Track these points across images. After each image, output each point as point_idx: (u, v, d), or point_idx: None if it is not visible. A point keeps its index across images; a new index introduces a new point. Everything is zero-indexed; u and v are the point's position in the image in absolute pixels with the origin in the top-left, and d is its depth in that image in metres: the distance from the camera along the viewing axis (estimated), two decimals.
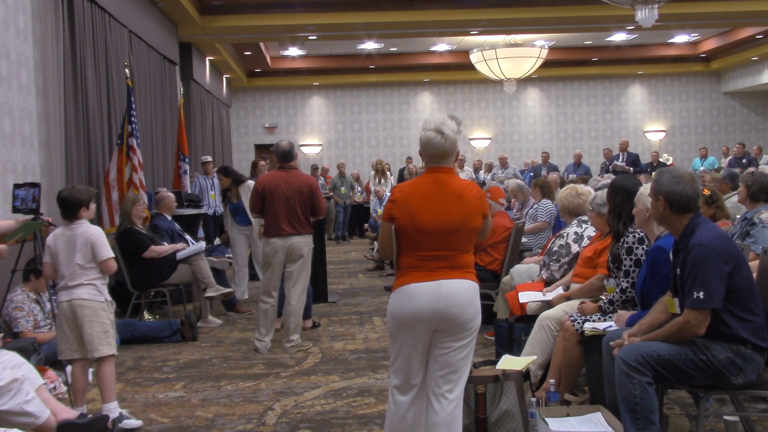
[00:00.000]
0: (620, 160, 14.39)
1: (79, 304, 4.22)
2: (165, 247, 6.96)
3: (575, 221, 5.27)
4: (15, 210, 5.02)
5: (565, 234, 5.30)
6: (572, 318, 4.15)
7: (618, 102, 20.35)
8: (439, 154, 3.12)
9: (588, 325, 4.00)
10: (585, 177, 12.13)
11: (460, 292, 3.04)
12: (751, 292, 3.23)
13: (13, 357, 3.86)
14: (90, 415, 3.99)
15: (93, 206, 4.42)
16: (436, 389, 3.09)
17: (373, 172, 15.24)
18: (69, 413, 3.94)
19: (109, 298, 4.38)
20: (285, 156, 6.11)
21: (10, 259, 5.03)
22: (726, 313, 3.18)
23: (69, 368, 5.03)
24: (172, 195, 7.94)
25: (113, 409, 4.22)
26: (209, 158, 11.47)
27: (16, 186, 5.08)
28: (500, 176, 14.27)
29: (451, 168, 3.17)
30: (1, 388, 3.63)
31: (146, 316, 7.16)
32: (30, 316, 5.39)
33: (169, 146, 10.89)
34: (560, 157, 18.90)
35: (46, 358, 5.10)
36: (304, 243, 5.99)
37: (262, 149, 18.78)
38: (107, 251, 4.28)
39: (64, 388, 4.77)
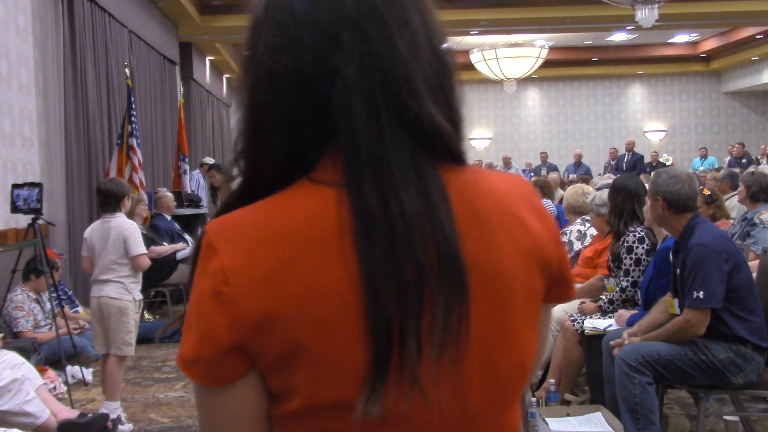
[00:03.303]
0: (625, 159, 14.38)
1: (106, 303, 4.19)
2: (165, 248, 6.96)
3: (579, 220, 5.27)
4: (16, 210, 5.02)
5: (568, 231, 5.31)
6: (572, 318, 4.15)
7: (618, 102, 20.35)
8: None
9: (588, 324, 4.01)
10: (585, 177, 12.14)
11: None
12: (750, 292, 3.23)
13: (13, 357, 3.87)
14: (90, 415, 4.00)
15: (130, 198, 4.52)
16: None
17: None
18: (69, 413, 3.95)
19: (139, 297, 4.33)
20: None
21: (10, 259, 5.03)
22: (726, 313, 3.19)
23: (69, 368, 5.04)
24: (170, 194, 7.95)
25: (114, 409, 4.21)
26: (212, 161, 11.29)
27: (15, 186, 5.08)
28: None
29: None
30: (1, 388, 3.63)
31: (146, 316, 7.16)
32: (30, 316, 5.40)
33: (169, 146, 10.89)
34: (560, 157, 18.89)
35: (46, 358, 5.10)
36: None
37: None
38: (139, 247, 4.21)
39: (64, 388, 4.77)
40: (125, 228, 4.20)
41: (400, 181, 0.75)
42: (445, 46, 0.85)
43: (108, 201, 4.28)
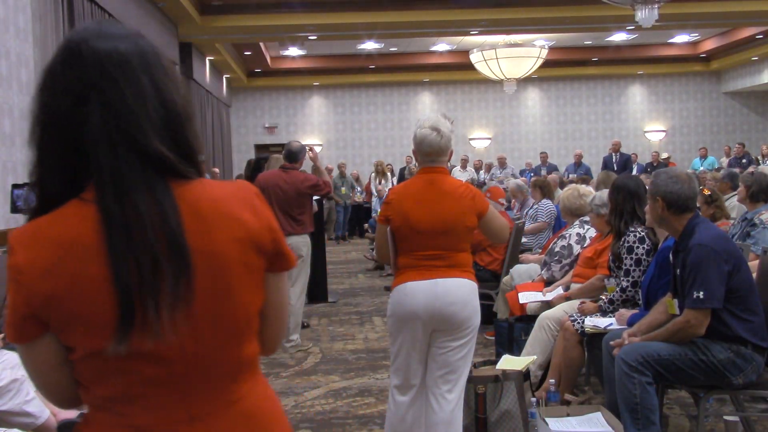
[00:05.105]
0: (613, 161, 14.40)
1: None
2: None
3: (577, 222, 5.26)
4: (16, 210, 5.01)
5: (567, 235, 5.30)
6: (572, 318, 4.15)
7: (618, 102, 20.34)
8: (434, 152, 3.13)
9: (589, 322, 4.01)
10: (585, 177, 12.13)
11: (457, 290, 3.05)
12: (750, 292, 3.23)
13: (13, 357, 3.86)
14: None
15: None
16: (435, 389, 3.09)
17: (374, 173, 15.26)
18: (69, 413, 3.94)
19: None
20: (289, 156, 6.12)
21: None
22: (726, 313, 3.19)
23: None
24: None
25: None
26: (202, 157, 11.43)
27: (15, 186, 5.08)
28: (499, 176, 14.27)
29: (444, 168, 3.20)
30: (1, 388, 3.63)
31: None
32: None
33: None
34: (560, 157, 18.88)
35: None
36: (303, 243, 5.98)
37: (262, 149, 18.77)
38: None
39: None
40: None
41: (134, 194, 1.10)
42: (177, 99, 1.18)
43: None
